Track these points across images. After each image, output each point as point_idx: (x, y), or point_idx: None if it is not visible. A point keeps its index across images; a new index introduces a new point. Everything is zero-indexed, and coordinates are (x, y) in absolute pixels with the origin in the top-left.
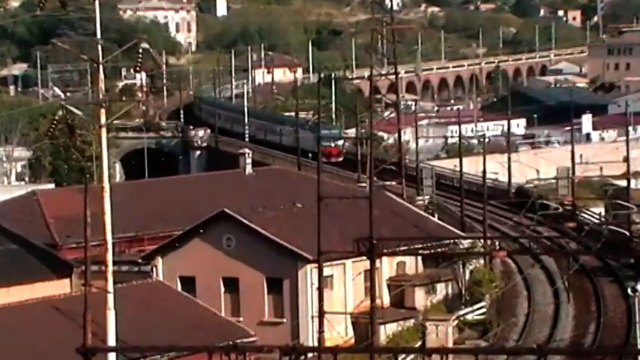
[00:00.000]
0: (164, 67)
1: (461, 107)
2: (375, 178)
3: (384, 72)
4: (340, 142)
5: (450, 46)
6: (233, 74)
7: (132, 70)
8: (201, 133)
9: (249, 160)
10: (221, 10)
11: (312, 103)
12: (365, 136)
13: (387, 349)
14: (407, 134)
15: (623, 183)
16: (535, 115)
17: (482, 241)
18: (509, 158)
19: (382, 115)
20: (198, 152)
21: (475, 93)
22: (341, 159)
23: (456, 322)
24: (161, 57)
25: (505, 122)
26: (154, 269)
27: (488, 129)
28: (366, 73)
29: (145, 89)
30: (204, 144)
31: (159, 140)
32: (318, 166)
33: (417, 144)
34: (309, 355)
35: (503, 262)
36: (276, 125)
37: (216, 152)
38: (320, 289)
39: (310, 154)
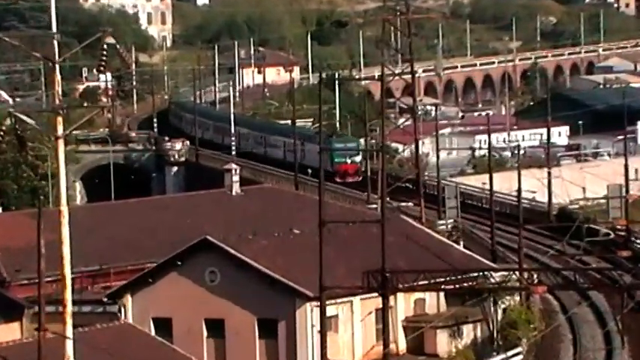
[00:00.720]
0: (134, 66)
1: (491, 112)
2: (388, 199)
3: (398, 71)
4: (358, 159)
5: (477, 39)
6: (217, 74)
7: (95, 71)
8: (178, 145)
9: (236, 178)
10: None
11: (313, 108)
12: (376, 148)
13: None
14: (426, 145)
15: None
16: (580, 122)
17: (517, 273)
18: (549, 174)
19: (396, 122)
20: (174, 168)
21: (508, 95)
22: (359, 178)
23: None
24: (130, 54)
25: (544, 130)
26: (122, 309)
27: (523, 139)
28: (377, 73)
29: (110, 93)
30: (183, 158)
31: (127, 154)
32: (320, 185)
33: (437, 157)
34: None
35: (543, 298)
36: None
37: (196, 168)
38: (322, 332)
39: (310, 171)
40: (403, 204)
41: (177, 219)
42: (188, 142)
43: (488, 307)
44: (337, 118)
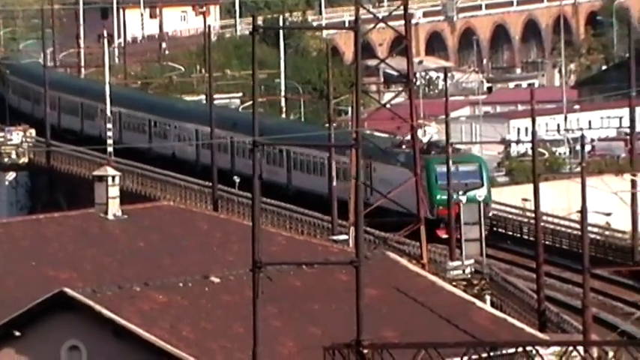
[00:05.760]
0: None
1: (536, 83)
2: (366, 227)
3: (382, 13)
4: (482, 193)
5: None
6: (82, 19)
7: None
8: (16, 136)
9: (114, 191)
10: None
11: (242, 76)
12: (346, 142)
13: None
14: (429, 136)
15: None
16: None
17: (581, 349)
18: (633, 184)
19: (379, 99)
20: (10, 175)
21: (563, 55)
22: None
23: None
24: None
25: (625, 112)
26: None
27: (590, 125)
28: (348, 18)
29: None
30: (24, 159)
31: None
32: (254, 202)
33: (448, 156)
34: None
35: None
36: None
37: (47, 175)
38: None
39: (238, 181)
40: (391, 235)
41: (14, 260)
42: (33, 132)
43: None
44: (282, 92)
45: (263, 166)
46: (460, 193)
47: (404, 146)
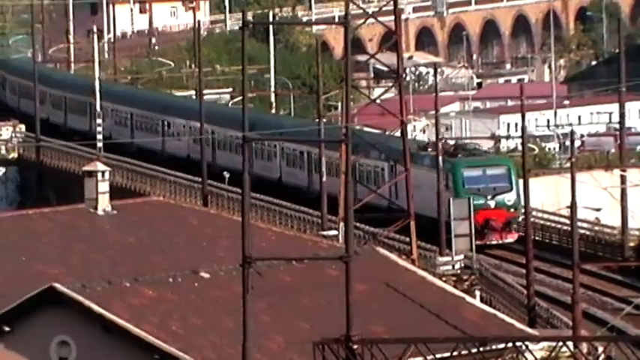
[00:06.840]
0: None
1: (526, 78)
2: (356, 222)
3: (372, 9)
4: (511, 198)
5: None
6: (71, 14)
7: None
8: (6, 132)
9: (104, 186)
10: None
11: (232, 71)
12: (336, 138)
13: None
14: (419, 132)
15: None
16: None
17: (571, 344)
18: (622, 179)
19: (369, 94)
20: None
21: (553, 50)
22: (514, 237)
23: None
24: None
25: (615, 107)
26: None
27: (580, 121)
28: (338, 13)
29: None
30: (14, 154)
31: None
32: (244, 197)
33: (438, 151)
34: None
35: None
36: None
37: (37, 170)
38: None
39: (227, 176)
40: (381, 230)
41: (3, 255)
42: (23, 127)
43: None
44: (272, 88)
45: (283, 168)
46: (489, 197)
47: (429, 149)
